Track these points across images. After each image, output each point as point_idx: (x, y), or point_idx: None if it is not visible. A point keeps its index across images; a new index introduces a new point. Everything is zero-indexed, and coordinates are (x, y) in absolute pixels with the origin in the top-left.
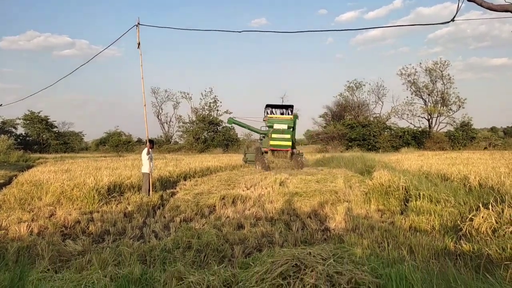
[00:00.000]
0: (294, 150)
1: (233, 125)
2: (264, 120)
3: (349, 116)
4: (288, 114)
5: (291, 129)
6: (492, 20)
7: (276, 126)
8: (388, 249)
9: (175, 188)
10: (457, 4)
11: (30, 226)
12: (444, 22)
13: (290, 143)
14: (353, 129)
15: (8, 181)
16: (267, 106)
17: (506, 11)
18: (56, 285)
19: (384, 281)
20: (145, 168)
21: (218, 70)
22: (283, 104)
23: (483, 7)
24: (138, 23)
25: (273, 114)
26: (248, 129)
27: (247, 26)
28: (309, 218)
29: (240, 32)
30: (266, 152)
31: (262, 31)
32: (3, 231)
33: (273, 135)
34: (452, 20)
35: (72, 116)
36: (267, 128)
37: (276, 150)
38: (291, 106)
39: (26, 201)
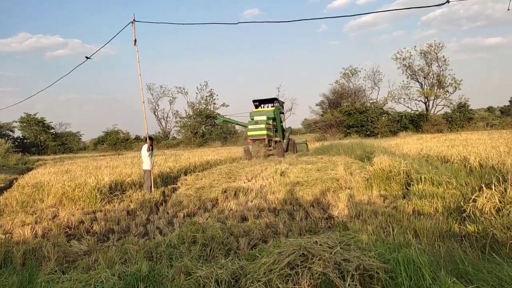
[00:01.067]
0: (276, 139)
1: (224, 122)
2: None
3: (346, 103)
4: (272, 106)
5: (272, 120)
6: (485, 0)
7: (256, 118)
8: (393, 234)
9: (177, 184)
10: None
11: (34, 229)
12: (439, 4)
13: (265, 132)
14: (351, 116)
15: (9, 185)
16: (253, 101)
17: None
18: (64, 286)
19: (392, 266)
20: (146, 165)
21: (212, 63)
22: (267, 98)
23: None
24: (134, 20)
25: (261, 107)
26: (237, 124)
27: (240, 16)
28: (312, 207)
29: (236, 23)
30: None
31: (257, 21)
32: (7, 234)
33: (250, 127)
34: (447, 1)
35: (69, 117)
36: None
37: (255, 139)
38: (275, 99)
39: (28, 204)
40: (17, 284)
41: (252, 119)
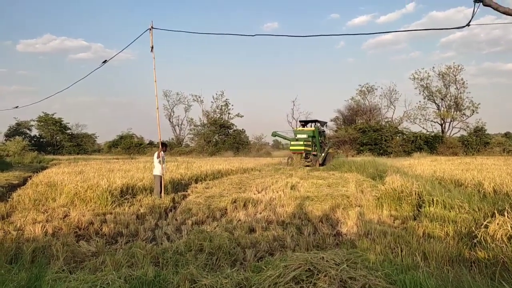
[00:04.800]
0: (314, 153)
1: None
2: None
3: (361, 120)
4: (312, 126)
5: (312, 137)
6: (507, 25)
7: (298, 136)
8: (402, 255)
9: (187, 191)
10: (472, 9)
11: (44, 227)
12: (459, 27)
13: (302, 148)
14: (365, 134)
15: (23, 182)
16: (300, 121)
17: None
18: (71, 285)
19: (398, 287)
20: (157, 171)
21: (229, 73)
22: (310, 120)
23: (499, 11)
24: (152, 27)
25: (305, 127)
26: (285, 139)
27: (260, 30)
28: (321, 223)
29: (253, 36)
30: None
31: (274, 35)
32: (19, 231)
33: (292, 142)
34: (468, 25)
35: (85, 118)
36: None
37: (295, 153)
38: (316, 120)
39: (41, 202)
40: (25, 280)
41: (295, 136)
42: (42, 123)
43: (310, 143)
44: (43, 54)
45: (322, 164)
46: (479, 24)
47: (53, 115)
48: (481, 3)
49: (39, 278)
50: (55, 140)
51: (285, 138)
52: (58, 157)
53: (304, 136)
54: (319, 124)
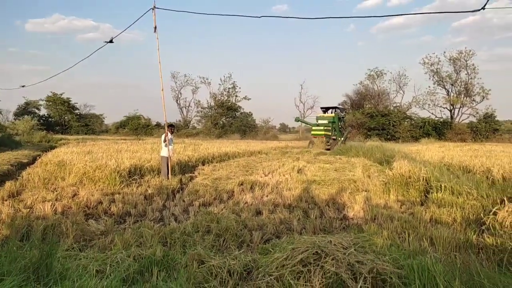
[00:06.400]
0: (333, 137)
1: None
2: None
3: (369, 105)
4: (332, 112)
5: (332, 123)
6: None
7: (319, 121)
8: (409, 240)
9: (194, 173)
10: None
11: (54, 205)
12: (474, 10)
13: (323, 132)
14: (373, 118)
15: (32, 161)
16: (321, 108)
17: None
18: (82, 263)
19: (406, 272)
20: (164, 152)
21: (237, 56)
22: (331, 106)
23: None
24: (154, 6)
25: (326, 113)
26: (308, 124)
27: (268, 12)
28: (327, 206)
29: (259, 17)
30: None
31: (281, 16)
32: (29, 209)
33: (313, 128)
34: (483, 8)
35: (94, 99)
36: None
37: (316, 136)
38: (336, 107)
39: (50, 181)
40: (37, 257)
41: (317, 121)
42: (50, 103)
43: (330, 128)
44: (52, 33)
45: None
46: (493, 7)
47: (61, 95)
48: None
49: (50, 255)
50: (63, 120)
51: (307, 123)
52: (67, 136)
53: (325, 121)
54: (339, 111)
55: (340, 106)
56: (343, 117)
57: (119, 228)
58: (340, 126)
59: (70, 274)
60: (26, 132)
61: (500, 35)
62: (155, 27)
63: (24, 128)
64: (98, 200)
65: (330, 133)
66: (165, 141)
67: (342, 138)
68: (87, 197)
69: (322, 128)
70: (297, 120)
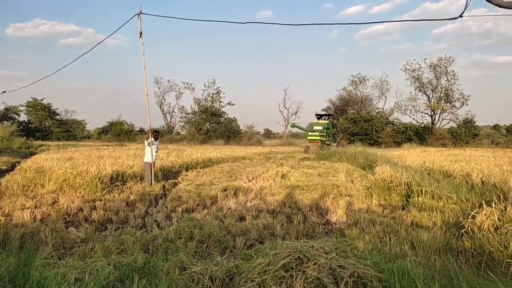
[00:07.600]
0: (327, 142)
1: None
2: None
3: (352, 111)
4: (325, 119)
5: (326, 129)
6: (498, 18)
7: (314, 127)
8: (390, 244)
9: (177, 179)
10: (465, 0)
11: (33, 213)
12: (452, 18)
13: (318, 138)
14: (356, 124)
15: (11, 168)
16: (316, 114)
17: None
18: (60, 271)
19: (386, 276)
20: (147, 158)
21: (221, 61)
22: (325, 114)
23: (492, 3)
24: (140, 12)
25: (320, 120)
26: (303, 130)
27: (253, 17)
28: (311, 212)
29: (244, 23)
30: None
31: (266, 23)
32: (7, 217)
33: (309, 133)
34: (460, 16)
35: (76, 104)
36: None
37: (311, 142)
38: (330, 115)
39: (29, 188)
40: (14, 266)
41: (312, 128)
42: (30, 108)
43: (325, 134)
44: (33, 38)
45: None
46: (471, 15)
47: (42, 100)
48: None
49: (27, 263)
50: (44, 126)
51: (302, 129)
52: (47, 143)
53: (320, 128)
54: (332, 118)
55: (333, 114)
56: (336, 124)
57: (100, 235)
58: (333, 132)
59: (48, 282)
60: (5, 138)
61: (479, 42)
62: (141, 33)
63: (3, 134)
64: (79, 207)
65: (324, 139)
66: (149, 144)
67: (335, 144)
68: (67, 204)
69: (317, 134)
70: (293, 126)
